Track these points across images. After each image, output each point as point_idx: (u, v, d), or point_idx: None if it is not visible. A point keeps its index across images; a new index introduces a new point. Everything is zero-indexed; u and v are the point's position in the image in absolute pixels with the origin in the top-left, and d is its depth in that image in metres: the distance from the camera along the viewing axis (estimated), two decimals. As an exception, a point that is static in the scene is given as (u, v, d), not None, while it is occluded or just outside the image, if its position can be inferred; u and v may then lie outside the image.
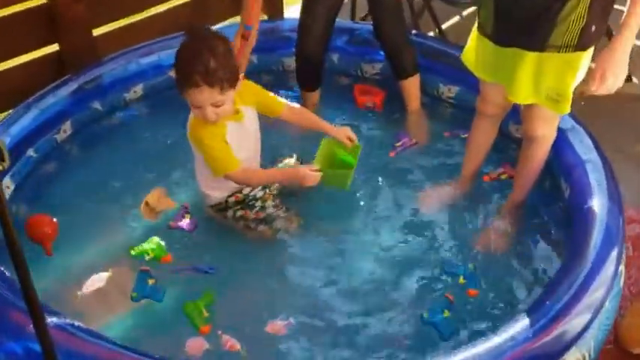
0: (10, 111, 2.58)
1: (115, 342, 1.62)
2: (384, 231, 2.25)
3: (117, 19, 3.04)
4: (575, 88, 1.95)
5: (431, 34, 3.64)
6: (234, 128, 2.07)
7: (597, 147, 2.24)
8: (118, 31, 3.03)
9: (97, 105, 2.74)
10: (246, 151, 2.15)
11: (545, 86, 1.95)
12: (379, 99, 2.86)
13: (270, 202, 2.21)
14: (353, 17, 3.64)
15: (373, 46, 2.80)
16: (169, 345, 1.86)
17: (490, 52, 2.03)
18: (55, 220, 2.12)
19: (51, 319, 1.59)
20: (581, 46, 1.87)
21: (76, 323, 1.65)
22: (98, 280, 2.07)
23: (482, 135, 2.33)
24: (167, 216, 2.29)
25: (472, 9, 3.76)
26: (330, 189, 2.26)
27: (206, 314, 1.93)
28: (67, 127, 2.63)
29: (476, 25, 2.09)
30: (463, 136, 2.51)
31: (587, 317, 1.72)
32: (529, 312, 1.71)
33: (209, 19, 3.14)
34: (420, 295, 2.04)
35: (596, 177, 2.10)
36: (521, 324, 1.67)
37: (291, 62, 2.87)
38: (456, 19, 3.93)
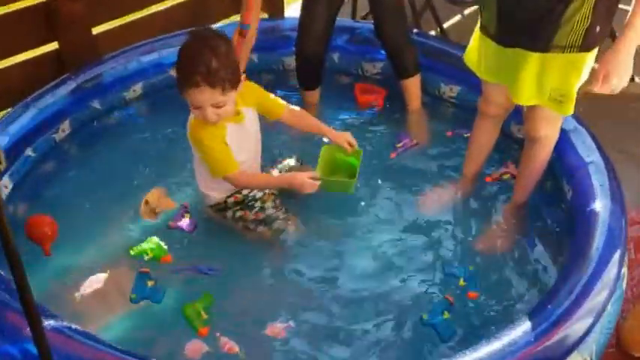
0: (9, 110, 2.57)
1: (112, 345, 1.61)
2: (384, 232, 2.23)
3: (117, 18, 3.02)
4: (579, 89, 1.93)
5: (432, 33, 3.63)
6: (234, 130, 2.06)
7: (600, 148, 2.22)
8: (118, 29, 3.02)
9: (96, 104, 2.73)
10: (247, 153, 2.13)
11: (548, 87, 1.93)
12: (380, 98, 2.85)
13: (269, 203, 2.19)
14: (354, 16, 3.62)
15: (374, 45, 2.78)
16: (168, 347, 1.85)
17: (493, 52, 2.01)
18: (54, 220, 2.10)
19: (48, 322, 1.58)
20: (585, 47, 1.85)
21: (74, 326, 1.63)
22: (96, 281, 2.06)
23: (484, 135, 2.32)
24: (167, 216, 2.28)
25: (474, 8, 3.75)
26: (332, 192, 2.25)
27: (205, 316, 1.92)
28: (65, 127, 2.62)
29: (478, 25, 2.08)
30: (466, 135, 2.49)
31: (590, 321, 1.71)
32: (531, 316, 1.70)
33: (209, 17, 3.14)
34: (420, 296, 2.03)
35: (598, 179, 2.09)
36: (522, 328, 1.65)
37: (291, 61, 2.86)
38: (457, 18, 3.91)
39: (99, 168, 2.51)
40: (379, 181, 2.43)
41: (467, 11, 3.90)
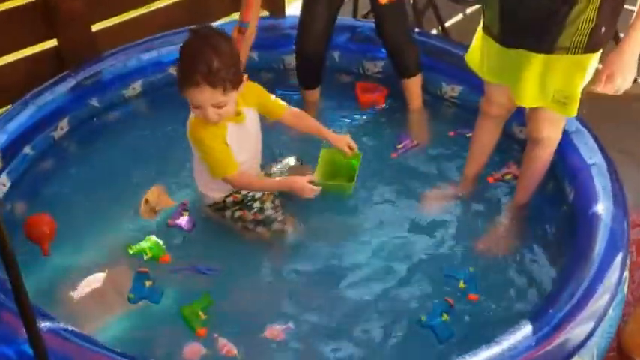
0: (8, 107, 2.56)
1: (109, 348, 1.60)
2: (384, 233, 2.22)
3: (116, 15, 3.01)
4: (583, 88, 1.92)
5: (434, 31, 3.61)
6: (235, 130, 2.04)
7: (602, 150, 2.21)
8: (118, 26, 3.00)
9: (94, 102, 2.72)
10: (247, 153, 2.12)
11: (552, 89, 1.92)
12: (382, 96, 2.83)
13: (268, 204, 2.17)
14: (355, 15, 3.60)
15: (375, 43, 2.76)
16: (166, 349, 1.84)
17: (495, 53, 2.00)
18: (53, 220, 2.09)
19: (44, 324, 1.57)
20: (590, 48, 1.84)
21: (70, 327, 1.63)
22: (95, 280, 2.05)
23: (486, 135, 2.30)
24: (166, 214, 2.27)
25: (476, 7, 3.72)
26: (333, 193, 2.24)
27: (203, 316, 1.91)
28: (64, 125, 2.61)
29: (481, 25, 2.06)
30: (468, 135, 2.47)
31: (591, 325, 1.70)
32: (531, 319, 1.69)
33: (209, 15, 3.13)
34: (420, 298, 2.02)
35: (601, 181, 2.08)
36: (523, 332, 1.65)
37: (291, 60, 2.84)
38: (459, 17, 3.89)
39: (98, 166, 2.50)
40: (379, 182, 2.41)
41: (469, 10, 3.89)
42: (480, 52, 2.09)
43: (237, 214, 2.17)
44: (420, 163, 2.52)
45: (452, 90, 2.80)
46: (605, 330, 1.78)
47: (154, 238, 2.16)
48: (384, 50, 2.74)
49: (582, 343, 1.67)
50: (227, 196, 2.18)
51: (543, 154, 2.14)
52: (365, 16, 3.52)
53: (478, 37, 2.09)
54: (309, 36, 2.63)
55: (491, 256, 2.16)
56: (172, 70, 2.81)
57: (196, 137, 2.02)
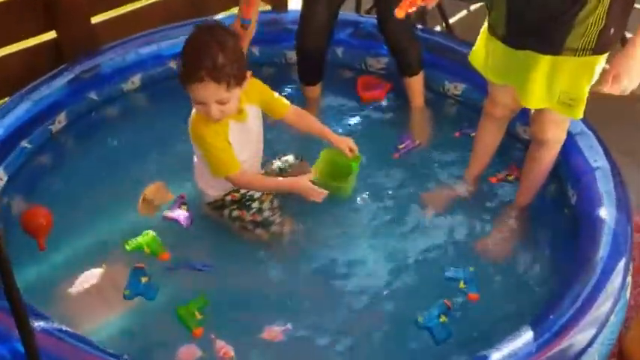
0: (6, 99, 2.53)
1: (104, 349, 1.58)
2: (384, 234, 2.20)
3: (116, 7, 2.98)
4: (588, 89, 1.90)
5: (438, 28, 3.58)
6: (237, 128, 2.02)
7: (607, 152, 2.19)
8: (117, 19, 2.97)
9: (93, 95, 2.69)
10: (248, 152, 2.09)
11: (558, 90, 1.89)
12: (383, 93, 2.80)
13: (266, 204, 2.15)
14: (358, 10, 3.57)
15: (378, 39, 2.72)
16: (161, 349, 1.82)
17: (501, 53, 1.97)
18: (50, 212, 2.07)
19: (38, 324, 1.56)
20: (599, 49, 1.81)
21: (64, 328, 1.61)
22: (92, 276, 2.03)
23: (490, 136, 2.28)
24: (164, 207, 2.25)
25: (481, 3, 3.69)
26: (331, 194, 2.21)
27: (199, 317, 1.89)
28: (62, 118, 2.57)
29: (485, 25, 2.03)
30: (472, 135, 2.44)
31: (593, 332, 1.69)
32: (532, 325, 1.67)
33: (209, 9, 3.11)
34: (420, 298, 2.00)
35: (605, 184, 2.06)
36: (524, 338, 1.63)
37: (293, 55, 2.80)
38: (463, 13, 3.86)
39: (96, 161, 2.48)
40: (380, 182, 2.39)
41: (473, 6, 3.85)
42: (484, 52, 2.06)
43: (236, 213, 2.15)
44: (422, 163, 2.50)
45: (455, 88, 2.77)
46: (607, 336, 1.76)
47: (151, 233, 2.14)
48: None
49: (584, 350, 1.66)
50: (226, 195, 2.16)
51: (547, 156, 2.12)
52: (368, 12, 3.49)
53: (482, 37, 2.06)
54: (309, 31, 2.60)
55: (492, 257, 2.14)
56: (172, 64, 2.80)
57: (197, 134, 2.00)
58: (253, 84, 2.07)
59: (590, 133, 2.25)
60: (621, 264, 1.83)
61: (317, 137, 2.25)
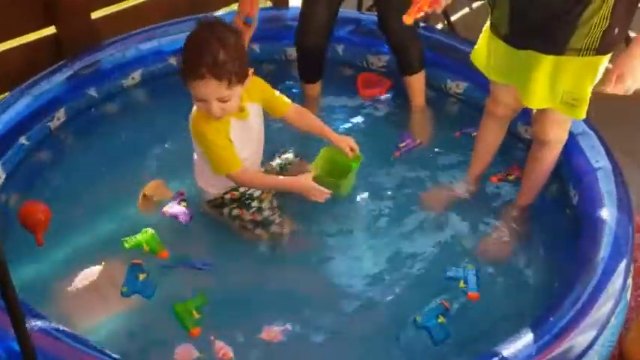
0: (5, 95, 2.52)
1: (101, 350, 1.57)
2: (384, 233, 2.19)
3: (117, 2, 2.97)
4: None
5: (439, 26, 3.56)
6: (238, 126, 2.00)
7: (609, 153, 2.18)
8: (117, 14, 2.96)
9: (92, 92, 2.68)
10: (249, 150, 2.08)
11: (561, 90, 1.88)
12: (384, 90, 2.79)
13: (266, 204, 2.14)
14: (359, 7, 3.55)
15: (380, 37, 2.70)
16: (158, 349, 1.81)
17: (503, 53, 1.95)
18: (48, 207, 2.06)
19: (35, 323, 1.55)
20: (603, 50, 1.79)
21: (61, 327, 1.60)
22: (90, 273, 2.02)
23: (491, 135, 2.27)
24: (163, 205, 2.24)
25: (482, 1, 3.68)
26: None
27: (197, 315, 1.88)
28: (61, 115, 2.56)
29: (488, 24, 2.01)
30: (473, 134, 2.43)
31: (593, 334, 1.68)
32: (532, 327, 1.66)
33: (209, 5, 3.12)
34: (419, 298, 1.99)
35: (606, 185, 2.05)
36: (524, 340, 1.62)
37: (293, 52, 2.78)
38: (465, 10, 3.84)
39: (95, 157, 2.46)
40: (381, 181, 2.38)
41: (475, 4, 3.83)
42: (486, 51, 2.04)
43: (235, 212, 2.14)
44: (423, 162, 2.48)
45: (457, 87, 2.76)
46: (608, 338, 1.75)
47: (150, 231, 2.12)
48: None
49: (584, 352, 1.65)
50: (225, 193, 2.15)
51: (549, 156, 2.11)
52: (369, 9, 3.46)
53: (484, 36, 2.05)
54: (309, 29, 2.58)
55: (493, 257, 2.13)
56: (173, 60, 2.79)
57: (198, 132, 1.98)
58: (255, 82, 2.06)
59: (591, 133, 2.24)
60: (622, 265, 1.83)
61: (317, 136, 2.23)
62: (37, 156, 2.46)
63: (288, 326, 1.87)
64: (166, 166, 2.40)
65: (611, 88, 1.80)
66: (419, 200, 2.32)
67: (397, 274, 2.06)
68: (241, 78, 1.89)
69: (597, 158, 2.15)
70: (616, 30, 1.76)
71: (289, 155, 2.34)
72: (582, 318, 1.68)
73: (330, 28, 2.60)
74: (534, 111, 2.07)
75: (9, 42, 2.72)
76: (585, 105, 1.89)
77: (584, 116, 1.93)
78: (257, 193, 2.15)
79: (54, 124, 2.54)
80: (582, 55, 1.80)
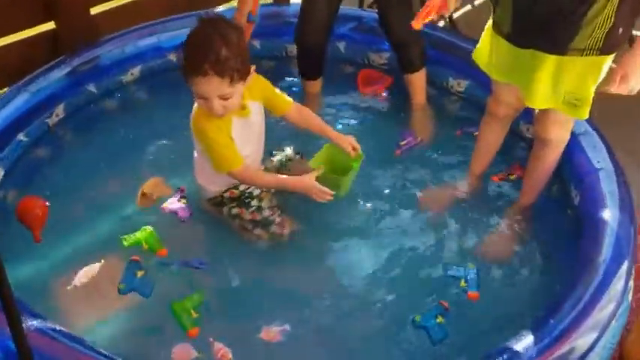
0: (4, 90, 2.50)
1: (96, 349, 1.56)
2: (385, 232, 2.18)
3: (116, -2, 2.96)
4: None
5: (441, 23, 3.54)
6: (239, 124, 1.99)
7: (611, 153, 2.17)
8: (117, 9, 2.94)
9: (91, 88, 2.66)
10: (250, 148, 2.07)
11: (563, 90, 1.86)
12: (384, 87, 2.77)
13: (265, 203, 2.12)
14: (361, 5, 3.53)
15: (381, 34, 2.68)
16: (155, 347, 1.80)
17: (505, 52, 1.94)
18: (46, 203, 2.05)
19: (32, 322, 1.54)
20: (607, 50, 1.78)
21: (58, 327, 1.59)
22: (89, 271, 2.01)
23: (493, 135, 2.26)
24: (162, 201, 2.23)
25: (485, -1, 3.67)
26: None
27: (195, 315, 1.86)
28: (59, 111, 2.55)
29: (490, 22, 1.99)
30: (475, 134, 2.41)
31: (594, 336, 1.67)
32: (533, 329, 1.65)
33: (209, 1, 3.08)
34: (419, 298, 1.99)
35: (608, 186, 2.04)
36: (524, 342, 1.61)
37: (294, 48, 2.77)
38: (467, 8, 3.82)
39: (94, 154, 2.45)
40: (381, 180, 2.36)
41: (477, 1, 3.81)
42: (488, 49, 2.03)
43: (235, 211, 2.12)
44: (424, 161, 2.47)
45: (458, 85, 2.74)
46: (609, 340, 1.74)
47: (149, 229, 2.11)
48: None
49: (585, 355, 1.64)
50: (224, 191, 2.13)
51: (551, 155, 2.10)
52: (371, 6, 3.45)
53: (487, 34, 2.03)
54: (309, 26, 2.56)
55: (494, 256, 2.12)
56: (172, 56, 2.78)
57: (200, 129, 1.97)
58: (256, 80, 2.04)
59: (593, 132, 2.23)
60: (624, 267, 1.81)
61: (318, 134, 2.22)
62: (36, 152, 2.45)
63: (287, 326, 1.85)
64: (166, 163, 2.39)
65: (614, 89, 1.79)
66: (419, 199, 2.30)
67: (397, 273, 2.05)
68: (243, 75, 1.88)
69: (599, 158, 2.14)
70: (620, 30, 1.75)
71: (289, 152, 2.32)
72: (583, 320, 1.66)
73: (330, 25, 2.58)
74: (536, 110, 2.06)
75: (7, 37, 2.70)
76: (588, 105, 1.88)
77: (586, 116, 1.91)
78: (256, 192, 2.14)
79: (52, 120, 2.53)
80: (585, 55, 1.79)
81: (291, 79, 2.81)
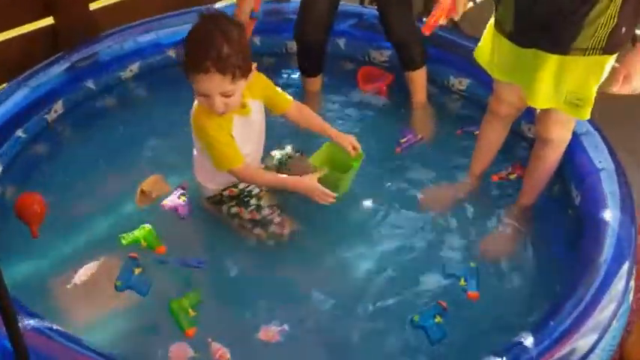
0: (3, 86, 2.49)
1: (93, 349, 1.55)
2: (384, 231, 2.17)
3: (115, -7, 2.94)
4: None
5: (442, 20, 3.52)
6: (240, 122, 1.98)
7: (612, 153, 2.15)
8: (116, 5, 2.93)
9: (90, 84, 2.66)
10: (250, 146, 2.06)
11: (565, 90, 1.85)
12: (384, 85, 2.75)
13: (265, 202, 2.11)
14: (362, 1, 3.51)
15: (382, 31, 2.66)
16: (152, 346, 1.79)
17: (507, 51, 1.92)
18: (44, 199, 2.05)
19: (28, 322, 1.54)
20: (609, 49, 1.76)
21: (55, 326, 1.58)
22: (86, 270, 2.00)
23: (494, 134, 2.24)
24: (161, 199, 2.22)
25: (486, -4, 3.64)
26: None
27: (192, 313, 1.86)
28: (58, 107, 2.54)
29: (492, 21, 1.98)
30: (476, 133, 2.40)
31: (594, 337, 1.66)
32: (533, 331, 1.64)
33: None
34: (419, 297, 1.98)
35: (609, 186, 2.03)
36: (524, 344, 1.60)
37: (294, 45, 2.75)
38: (469, 5, 3.79)
39: (92, 150, 2.45)
40: (382, 178, 2.35)
41: (479, -1, 3.80)
42: (490, 48, 2.02)
43: (234, 210, 2.11)
44: (424, 159, 2.46)
45: (459, 83, 2.73)
46: (609, 342, 1.73)
47: (148, 226, 2.10)
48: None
49: (585, 356, 1.63)
50: (224, 190, 2.12)
51: (552, 155, 2.09)
52: (371, 3, 3.43)
53: (488, 33, 2.02)
54: (309, 23, 2.55)
55: (494, 256, 2.11)
56: (171, 53, 2.77)
57: (200, 126, 1.96)
58: (257, 79, 2.03)
59: (595, 133, 2.21)
60: (625, 267, 1.80)
61: (318, 133, 2.21)
62: (34, 149, 2.44)
63: (286, 326, 1.85)
64: (165, 160, 2.38)
65: (617, 88, 1.78)
66: (419, 198, 2.29)
67: (396, 273, 2.04)
68: (245, 72, 1.87)
69: (600, 158, 2.13)
70: (623, 29, 1.73)
71: (288, 150, 2.31)
72: (584, 321, 1.65)
73: (330, 21, 2.56)
74: (538, 110, 2.05)
75: (5, 33, 2.69)
76: (590, 105, 1.86)
77: (588, 116, 1.90)
78: (256, 191, 2.13)
79: (51, 116, 2.52)
80: (588, 55, 1.77)
81: (291, 75, 2.80)
